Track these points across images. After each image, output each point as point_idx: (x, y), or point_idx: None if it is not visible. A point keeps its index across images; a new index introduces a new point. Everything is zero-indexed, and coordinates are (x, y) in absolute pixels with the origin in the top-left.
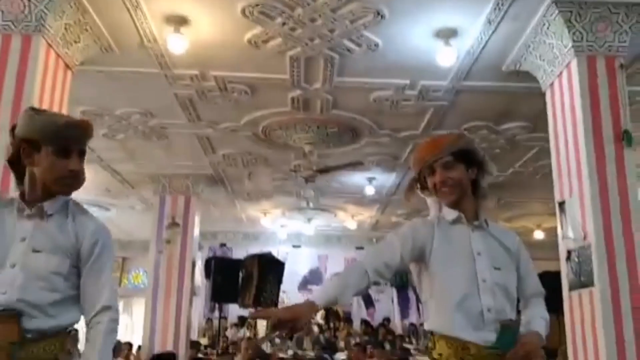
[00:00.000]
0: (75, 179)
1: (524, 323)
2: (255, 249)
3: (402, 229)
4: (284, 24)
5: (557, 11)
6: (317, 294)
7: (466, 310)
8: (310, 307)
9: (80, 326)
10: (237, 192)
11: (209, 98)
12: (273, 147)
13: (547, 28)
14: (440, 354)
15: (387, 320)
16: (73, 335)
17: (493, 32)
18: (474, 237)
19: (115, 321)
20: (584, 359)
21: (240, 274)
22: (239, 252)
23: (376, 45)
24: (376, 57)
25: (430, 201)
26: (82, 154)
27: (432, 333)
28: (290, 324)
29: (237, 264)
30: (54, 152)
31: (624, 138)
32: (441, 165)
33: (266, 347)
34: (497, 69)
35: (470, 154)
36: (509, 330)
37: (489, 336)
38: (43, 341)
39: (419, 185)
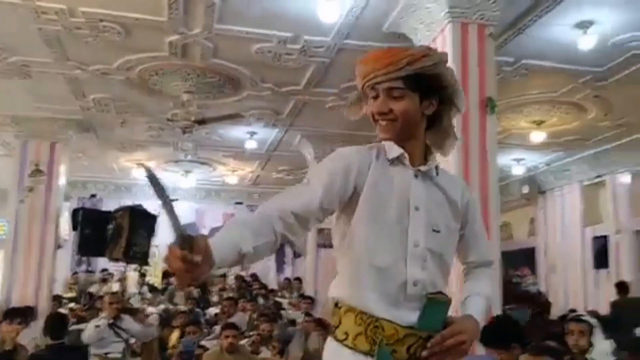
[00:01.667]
0: None
1: (461, 299)
2: (128, 201)
3: (328, 162)
4: None
5: None
6: (213, 240)
7: (385, 280)
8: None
9: None
10: (109, 141)
11: (77, 36)
12: (149, 94)
13: None
14: (346, 333)
15: (253, 275)
16: None
17: None
18: (415, 186)
19: None
20: None
21: (110, 226)
22: (111, 204)
23: None
24: (259, 6)
25: None
26: None
27: (337, 304)
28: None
29: (107, 215)
30: None
31: (487, 105)
32: (385, 90)
33: (135, 302)
34: (378, 30)
35: (432, 79)
36: (436, 307)
37: (409, 315)
38: None
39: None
